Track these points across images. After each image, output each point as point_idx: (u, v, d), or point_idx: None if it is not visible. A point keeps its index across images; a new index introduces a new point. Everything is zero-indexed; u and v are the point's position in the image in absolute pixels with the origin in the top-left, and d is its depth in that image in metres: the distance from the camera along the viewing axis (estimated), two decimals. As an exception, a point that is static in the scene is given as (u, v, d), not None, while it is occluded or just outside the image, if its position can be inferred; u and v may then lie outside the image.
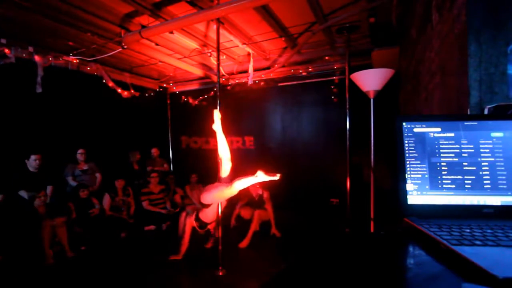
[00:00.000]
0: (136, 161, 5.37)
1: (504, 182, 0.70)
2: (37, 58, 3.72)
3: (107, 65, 4.83)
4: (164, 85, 6.30)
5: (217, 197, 2.62)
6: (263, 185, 3.87)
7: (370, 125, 2.62)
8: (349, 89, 3.65)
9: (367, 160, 2.70)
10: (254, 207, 3.93)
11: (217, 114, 2.61)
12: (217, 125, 2.60)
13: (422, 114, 1.83)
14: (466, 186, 0.72)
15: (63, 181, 4.22)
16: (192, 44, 4.13)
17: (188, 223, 3.01)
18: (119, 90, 4.89)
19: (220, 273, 2.79)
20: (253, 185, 3.92)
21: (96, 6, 3.07)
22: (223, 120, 2.81)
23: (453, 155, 0.74)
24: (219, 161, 2.67)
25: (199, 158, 6.34)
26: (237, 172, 2.58)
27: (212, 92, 5.89)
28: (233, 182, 2.39)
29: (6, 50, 3.43)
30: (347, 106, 3.66)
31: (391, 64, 3.36)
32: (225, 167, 2.61)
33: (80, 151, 4.35)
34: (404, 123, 0.78)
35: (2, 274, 2.88)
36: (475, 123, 0.74)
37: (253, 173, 2.27)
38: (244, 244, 3.60)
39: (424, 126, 0.77)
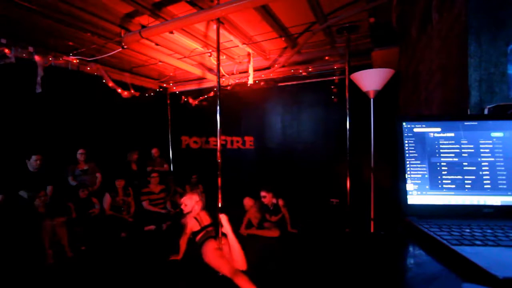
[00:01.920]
0: (135, 161, 5.35)
1: (504, 182, 0.70)
2: (37, 58, 3.72)
3: (107, 65, 4.82)
4: (164, 85, 6.29)
5: (213, 263, 2.60)
6: (275, 192, 4.18)
7: (370, 125, 2.62)
8: (349, 89, 3.64)
9: (367, 160, 2.70)
10: (270, 215, 4.14)
11: (224, 218, 2.58)
12: (227, 229, 2.57)
13: (422, 114, 1.83)
14: (466, 186, 0.72)
15: (63, 181, 4.22)
16: (192, 44, 4.12)
17: (189, 221, 2.98)
18: (119, 90, 4.89)
19: (220, 273, 2.79)
20: (268, 196, 4.10)
21: (96, 6, 3.07)
22: (223, 120, 2.81)
23: (453, 155, 0.74)
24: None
25: (199, 158, 6.34)
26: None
27: (212, 92, 5.89)
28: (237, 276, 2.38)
29: (6, 50, 3.43)
30: (347, 106, 3.66)
31: (391, 64, 3.36)
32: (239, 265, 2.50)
33: (80, 151, 4.35)
34: (404, 123, 0.78)
35: (2, 274, 2.88)
36: (475, 123, 0.74)
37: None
38: (241, 230, 3.93)
39: (424, 126, 0.77)
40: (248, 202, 4.23)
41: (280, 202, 4.14)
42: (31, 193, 3.46)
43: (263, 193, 4.09)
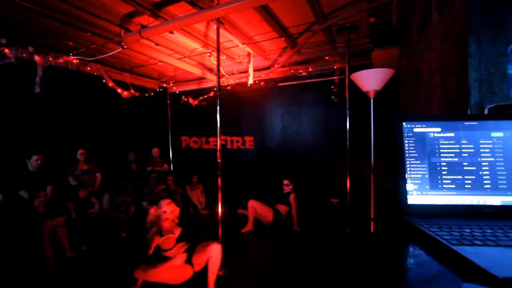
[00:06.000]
0: (132, 161, 5.33)
1: (504, 182, 0.70)
2: (37, 58, 3.71)
3: (107, 65, 4.82)
4: (164, 85, 6.29)
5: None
6: (292, 185, 4.40)
7: (370, 125, 2.62)
8: (349, 89, 3.64)
9: (367, 160, 2.70)
10: (277, 202, 4.34)
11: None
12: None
13: (422, 114, 1.83)
14: (466, 186, 0.72)
15: (63, 181, 4.22)
16: (192, 44, 4.12)
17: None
18: (119, 90, 4.89)
19: (220, 273, 2.79)
20: (291, 185, 4.35)
21: (96, 6, 3.07)
22: (223, 120, 2.80)
23: (453, 155, 0.74)
24: None
25: (199, 158, 6.34)
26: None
27: (212, 92, 5.89)
28: None
29: (6, 50, 3.43)
30: (347, 106, 3.66)
31: (391, 64, 3.35)
32: None
33: (80, 151, 4.35)
34: (404, 123, 0.78)
35: (2, 274, 2.88)
36: (475, 123, 0.74)
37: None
38: (245, 229, 4.09)
39: (424, 126, 0.77)
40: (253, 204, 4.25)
41: (292, 195, 4.29)
42: (31, 193, 3.46)
43: (286, 181, 4.42)
